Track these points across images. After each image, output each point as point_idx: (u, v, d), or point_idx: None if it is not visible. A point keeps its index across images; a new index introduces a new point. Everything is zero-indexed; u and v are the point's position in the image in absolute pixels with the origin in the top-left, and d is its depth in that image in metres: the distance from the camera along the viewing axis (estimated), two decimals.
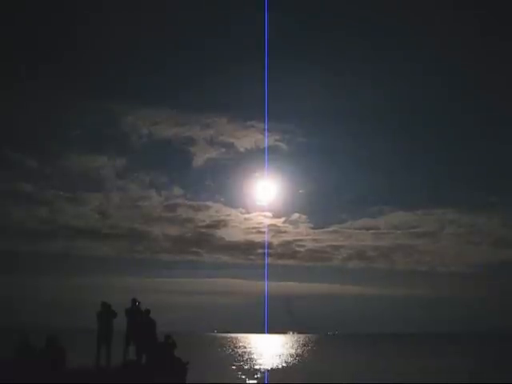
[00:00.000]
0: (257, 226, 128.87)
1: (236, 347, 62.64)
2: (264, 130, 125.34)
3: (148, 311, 15.61)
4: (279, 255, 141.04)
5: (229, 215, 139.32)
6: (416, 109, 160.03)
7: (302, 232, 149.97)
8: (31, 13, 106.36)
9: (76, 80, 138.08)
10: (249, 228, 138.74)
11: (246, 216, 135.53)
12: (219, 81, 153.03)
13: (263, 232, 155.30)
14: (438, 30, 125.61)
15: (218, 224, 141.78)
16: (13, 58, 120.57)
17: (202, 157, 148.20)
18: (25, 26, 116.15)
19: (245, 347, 63.09)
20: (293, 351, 53.49)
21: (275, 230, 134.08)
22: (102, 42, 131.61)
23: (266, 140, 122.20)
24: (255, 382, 22.64)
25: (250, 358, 38.29)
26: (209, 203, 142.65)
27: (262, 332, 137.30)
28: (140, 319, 15.40)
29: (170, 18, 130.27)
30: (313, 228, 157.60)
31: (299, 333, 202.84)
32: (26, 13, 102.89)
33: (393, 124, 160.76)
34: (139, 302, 15.74)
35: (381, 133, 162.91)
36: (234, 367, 28.97)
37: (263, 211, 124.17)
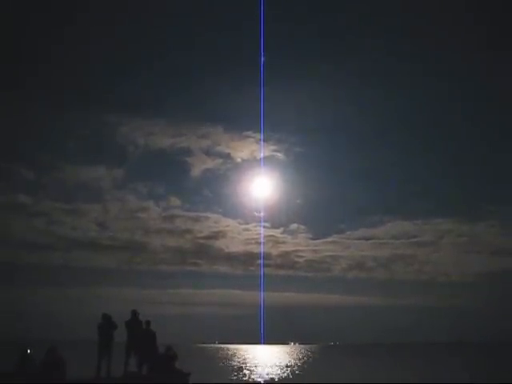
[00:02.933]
0: (255, 236, 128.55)
1: (237, 358, 62.34)
2: (261, 140, 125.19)
3: (148, 322, 15.58)
4: (278, 266, 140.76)
5: (227, 226, 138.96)
6: (415, 119, 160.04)
7: (300, 242, 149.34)
8: (27, 19, 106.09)
9: (71, 90, 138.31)
10: (247, 239, 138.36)
11: (245, 227, 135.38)
12: (215, 90, 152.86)
13: (262, 242, 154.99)
14: (444, 42, 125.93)
15: (217, 235, 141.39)
16: (10, 67, 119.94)
17: (199, 167, 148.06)
18: (23, 35, 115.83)
19: (246, 358, 62.79)
20: (294, 361, 53.24)
21: (273, 241, 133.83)
22: (98, 53, 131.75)
23: (262, 150, 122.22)
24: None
25: (252, 368, 38.13)
26: (207, 214, 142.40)
27: (262, 342, 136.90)
28: (140, 331, 15.38)
29: (167, 29, 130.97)
30: (311, 238, 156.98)
31: (300, 343, 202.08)
32: (22, 20, 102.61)
33: (392, 134, 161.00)
34: (139, 314, 15.73)
35: (380, 143, 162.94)
36: (235, 377, 28.84)
37: (261, 222, 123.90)
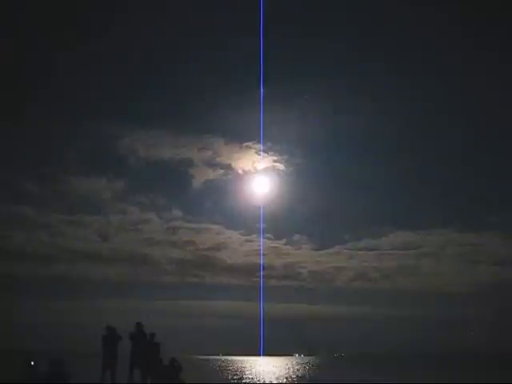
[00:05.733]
0: (257, 248, 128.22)
1: (242, 370, 62.04)
2: (261, 151, 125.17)
3: (153, 335, 15.52)
4: (281, 277, 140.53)
5: (229, 237, 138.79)
6: (416, 131, 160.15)
7: (303, 253, 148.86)
8: (31, 28, 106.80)
9: (72, 102, 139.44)
10: (249, 250, 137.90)
11: (247, 238, 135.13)
12: (216, 102, 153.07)
13: (264, 254, 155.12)
14: (447, 54, 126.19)
15: (219, 246, 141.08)
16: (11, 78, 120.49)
17: (200, 178, 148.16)
18: (24, 46, 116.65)
19: (251, 369, 62.50)
20: (301, 373, 52.97)
21: (276, 252, 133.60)
22: (98, 65, 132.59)
23: (262, 161, 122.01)
24: None
25: (258, 381, 37.98)
26: (209, 225, 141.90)
27: (268, 354, 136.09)
28: (144, 343, 15.31)
29: (167, 42, 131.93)
30: (314, 249, 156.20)
31: (305, 355, 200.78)
32: (24, 28, 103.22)
33: (393, 145, 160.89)
34: (143, 326, 15.67)
35: (381, 153, 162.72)
36: None
37: (263, 233, 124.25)
